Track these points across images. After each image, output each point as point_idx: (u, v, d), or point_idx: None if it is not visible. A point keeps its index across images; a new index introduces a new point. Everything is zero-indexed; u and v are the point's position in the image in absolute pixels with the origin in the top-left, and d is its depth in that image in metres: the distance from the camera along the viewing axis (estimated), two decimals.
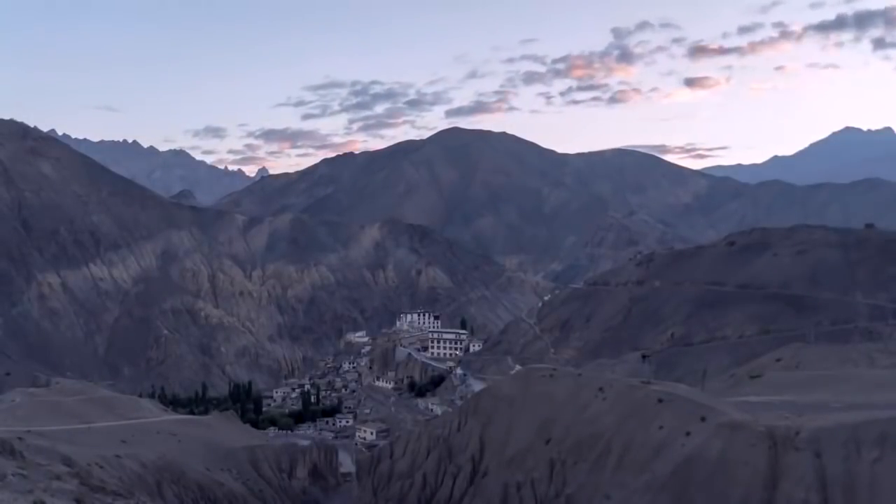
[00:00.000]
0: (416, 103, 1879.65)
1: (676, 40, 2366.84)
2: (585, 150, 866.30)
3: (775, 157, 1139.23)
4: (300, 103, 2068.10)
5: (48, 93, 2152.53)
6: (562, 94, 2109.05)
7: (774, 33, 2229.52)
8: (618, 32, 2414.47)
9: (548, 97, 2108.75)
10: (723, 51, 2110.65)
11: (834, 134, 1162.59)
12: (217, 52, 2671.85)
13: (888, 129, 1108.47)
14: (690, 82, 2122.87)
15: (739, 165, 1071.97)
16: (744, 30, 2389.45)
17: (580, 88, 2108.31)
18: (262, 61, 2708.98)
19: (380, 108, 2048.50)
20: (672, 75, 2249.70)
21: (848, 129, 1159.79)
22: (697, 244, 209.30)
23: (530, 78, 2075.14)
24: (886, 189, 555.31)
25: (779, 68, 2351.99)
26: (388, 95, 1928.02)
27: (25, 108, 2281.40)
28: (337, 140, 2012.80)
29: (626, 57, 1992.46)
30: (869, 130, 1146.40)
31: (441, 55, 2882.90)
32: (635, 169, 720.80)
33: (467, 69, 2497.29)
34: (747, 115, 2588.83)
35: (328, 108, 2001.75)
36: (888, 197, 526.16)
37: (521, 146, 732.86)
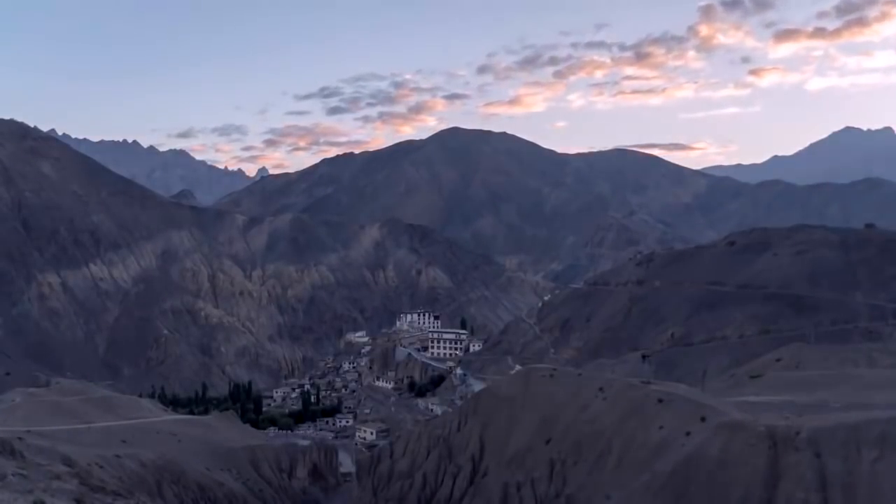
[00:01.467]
0: (457, 96, 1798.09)
1: (769, 25, 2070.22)
2: (591, 149, 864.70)
3: (775, 157, 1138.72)
4: (329, 95, 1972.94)
5: (48, 93, 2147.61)
6: (614, 83, 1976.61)
7: (876, 12, 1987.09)
8: (705, 12, 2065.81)
9: (599, 87, 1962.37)
10: (816, 34, 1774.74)
11: (834, 134, 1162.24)
12: (236, 46, 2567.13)
13: (888, 129, 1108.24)
14: (756, 72, 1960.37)
15: (739, 165, 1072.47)
16: (842, 10, 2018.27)
17: (634, 78, 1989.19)
18: (291, 54, 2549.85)
19: (413, 101, 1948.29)
20: (746, 63, 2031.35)
21: (848, 129, 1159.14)
22: (697, 244, 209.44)
23: (588, 68, 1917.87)
24: (886, 189, 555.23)
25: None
26: (427, 88, 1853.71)
27: (25, 108, 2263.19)
28: (360, 137, 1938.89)
29: (703, 43, 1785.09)
30: (869, 130, 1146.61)
31: (502, 41, 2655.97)
32: (635, 169, 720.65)
33: (522, 57, 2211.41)
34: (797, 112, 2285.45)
35: (358, 102, 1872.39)
36: (888, 197, 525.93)
37: (521, 146, 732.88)
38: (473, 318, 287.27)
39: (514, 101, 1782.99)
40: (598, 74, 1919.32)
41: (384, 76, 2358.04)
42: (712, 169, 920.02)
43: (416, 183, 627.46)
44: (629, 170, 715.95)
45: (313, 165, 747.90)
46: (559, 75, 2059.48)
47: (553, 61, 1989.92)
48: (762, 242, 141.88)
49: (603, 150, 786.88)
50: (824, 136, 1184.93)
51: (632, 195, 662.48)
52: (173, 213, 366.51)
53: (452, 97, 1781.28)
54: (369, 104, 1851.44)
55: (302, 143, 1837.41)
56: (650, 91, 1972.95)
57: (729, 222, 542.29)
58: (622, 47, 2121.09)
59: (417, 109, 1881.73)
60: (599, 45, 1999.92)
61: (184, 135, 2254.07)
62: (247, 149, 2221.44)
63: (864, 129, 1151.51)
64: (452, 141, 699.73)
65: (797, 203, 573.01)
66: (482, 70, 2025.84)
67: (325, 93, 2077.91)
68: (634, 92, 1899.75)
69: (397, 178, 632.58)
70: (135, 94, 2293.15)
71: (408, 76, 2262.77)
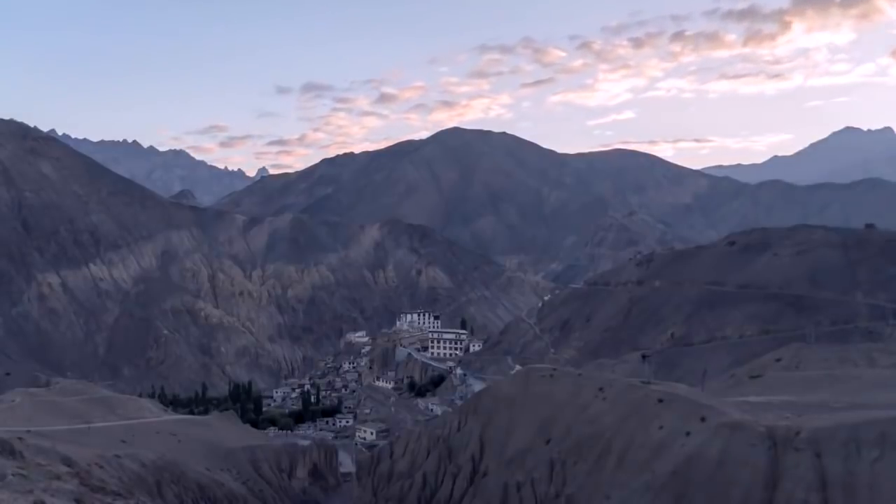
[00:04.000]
0: (540, 83, 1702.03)
1: None
2: (588, 149, 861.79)
3: (775, 157, 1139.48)
4: (383, 84, 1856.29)
5: (48, 93, 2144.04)
6: (730, 63, 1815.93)
7: None
8: None
9: (696, 73, 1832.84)
10: None
11: (834, 134, 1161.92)
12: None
13: (888, 129, 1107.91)
14: None
15: (739, 165, 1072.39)
16: None
17: (750, 61, 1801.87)
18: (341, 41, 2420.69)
19: (477, 89, 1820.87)
20: None
21: (848, 129, 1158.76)
22: (697, 244, 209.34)
23: (710, 45, 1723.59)
24: (886, 189, 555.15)
25: None
26: (503, 72, 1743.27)
27: (25, 108, 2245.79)
28: (409, 132, 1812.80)
29: (867, 12, 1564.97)
30: (869, 130, 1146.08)
31: (638, 5, 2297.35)
32: (635, 169, 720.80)
33: (645, 31, 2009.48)
34: None
35: (422, 89, 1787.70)
36: (888, 197, 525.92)
37: (521, 146, 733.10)
38: (473, 318, 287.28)
39: (587, 88, 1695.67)
40: (719, 54, 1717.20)
41: (470, 50, 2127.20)
42: (712, 169, 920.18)
43: (416, 183, 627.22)
44: (629, 170, 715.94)
45: (313, 165, 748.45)
46: (672, 56, 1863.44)
47: (676, 38, 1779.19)
48: (762, 242, 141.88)
49: (602, 149, 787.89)
50: (824, 136, 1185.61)
51: (632, 195, 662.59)
52: (173, 213, 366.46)
53: (534, 84, 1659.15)
54: (436, 90, 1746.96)
55: (340, 139, 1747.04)
56: (757, 74, 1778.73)
57: (729, 222, 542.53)
58: (767, 16, 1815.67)
59: (477, 99, 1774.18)
60: (741, 14, 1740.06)
61: (217, 128, 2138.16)
62: (277, 142, 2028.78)
63: (864, 129, 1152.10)
64: (452, 141, 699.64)
65: (797, 203, 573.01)
66: (583, 46, 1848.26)
67: (381, 83, 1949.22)
68: (733, 77, 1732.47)
69: (397, 178, 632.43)
70: (139, 92, 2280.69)
71: (493, 56, 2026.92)
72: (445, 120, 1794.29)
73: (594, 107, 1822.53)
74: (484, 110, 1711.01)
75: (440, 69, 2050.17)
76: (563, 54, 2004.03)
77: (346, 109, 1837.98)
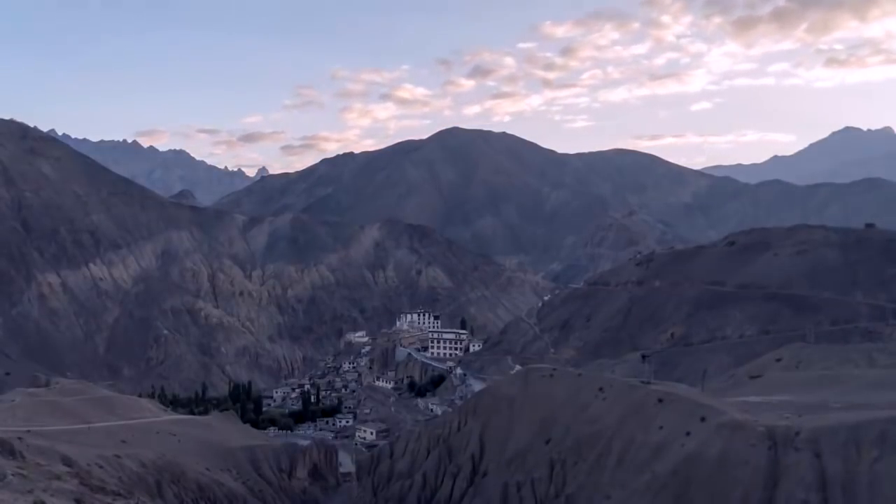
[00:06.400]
0: (635, 64, 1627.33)
1: None
2: (589, 149, 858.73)
3: (775, 157, 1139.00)
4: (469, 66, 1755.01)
5: (48, 93, 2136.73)
6: (860, 44, 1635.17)
7: None
8: None
9: (827, 51, 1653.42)
10: None
11: (834, 134, 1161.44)
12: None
13: (888, 129, 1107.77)
14: None
15: (739, 165, 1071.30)
16: None
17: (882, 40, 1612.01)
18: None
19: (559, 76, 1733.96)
20: None
21: (848, 129, 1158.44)
22: (697, 244, 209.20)
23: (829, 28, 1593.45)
24: (886, 189, 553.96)
25: None
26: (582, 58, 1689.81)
27: (25, 108, 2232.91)
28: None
29: None
30: (869, 130, 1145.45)
31: None
32: (635, 169, 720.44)
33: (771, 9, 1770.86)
34: None
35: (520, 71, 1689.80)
36: (888, 197, 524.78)
37: (521, 146, 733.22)
38: (473, 318, 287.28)
39: (680, 75, 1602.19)
40: (861, 32, 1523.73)
41: (581, 18, 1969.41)
42: (712, 169, 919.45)
43: (416, 183, 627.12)
44: (629, 170, 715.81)
45: (313, 165, 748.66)
46: (818, 27, 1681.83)
47: (835, 5, 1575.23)
48: (762, 242, 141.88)
49: (603, 149, 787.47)
50: (824, 136, 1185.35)
51: (632, 195, 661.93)
52: (173, 213, 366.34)
53: (629, 66, 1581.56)
54: (524, 69, 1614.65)
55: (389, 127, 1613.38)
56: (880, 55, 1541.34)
57: (729, 222, 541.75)
58: None
59: (545, 90, 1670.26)
60: None
61: (231, 127, 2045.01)
62: (304, 140, 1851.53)
63: (864, 129, 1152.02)
64: (452, 141, 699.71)
65: (797, 203, 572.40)
66: (720, 12, 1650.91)
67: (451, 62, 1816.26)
68: (852, 60, 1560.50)
69: (397, 178, 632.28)
70: (147, 89, 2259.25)
71: (602, 30, 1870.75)
72: (501, 114, 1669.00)
73: (676, 95, 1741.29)
74: (548, 102, 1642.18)
75: (545, 39, 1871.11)
76: (688, 34, 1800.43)
77: (396, 99, 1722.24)
